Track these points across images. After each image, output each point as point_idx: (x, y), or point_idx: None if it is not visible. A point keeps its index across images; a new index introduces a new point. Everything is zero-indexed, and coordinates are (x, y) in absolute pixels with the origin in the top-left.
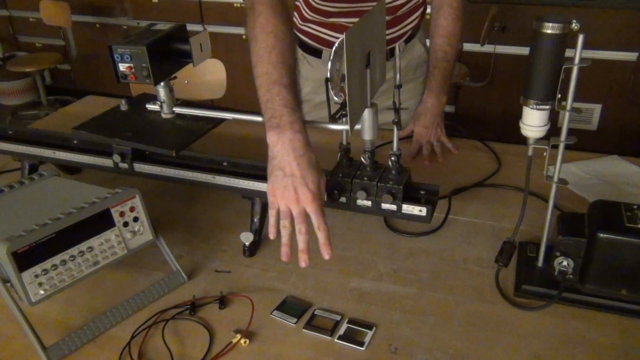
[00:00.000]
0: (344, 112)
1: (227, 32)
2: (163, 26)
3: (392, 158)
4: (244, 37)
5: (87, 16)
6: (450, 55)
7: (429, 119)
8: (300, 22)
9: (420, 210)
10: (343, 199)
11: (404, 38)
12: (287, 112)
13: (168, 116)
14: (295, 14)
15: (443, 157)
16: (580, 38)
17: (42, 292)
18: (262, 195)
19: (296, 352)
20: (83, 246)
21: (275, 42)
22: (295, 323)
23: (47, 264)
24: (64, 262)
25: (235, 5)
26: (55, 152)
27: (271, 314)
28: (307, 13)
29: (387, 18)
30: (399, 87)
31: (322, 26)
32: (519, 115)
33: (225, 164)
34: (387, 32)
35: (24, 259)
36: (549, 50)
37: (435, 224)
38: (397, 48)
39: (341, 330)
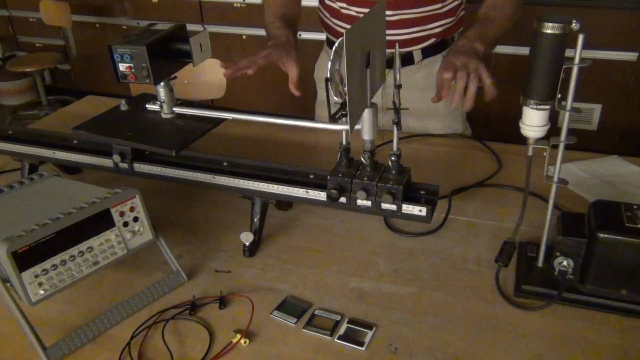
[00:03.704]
0: (344, 112)
1: (227, 32)
2: (163, 26)
3: (392, 158)
4: (243, 37)
5: (87, 16)
6: (493, 18)
7: (456, 51)
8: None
9: (420, 210)
10: (343, 199)
11: (422, 46)
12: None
13: (168, 116)
14: (327, 12)
15: (473, 103)
16: (580, 38)
17: (42, 292)
18: (262, 195)
19: (296, 352)
20: (83, 246)
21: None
22: (295, 323)
23: (47, 264)
24: (64, 262)
25: (235, 5)
26: (55, 152)
27: (271, 314)
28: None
29: (395, 17)
30: (398, 87)
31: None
32: (519, 115)
33: (225, 164)
34: (398, 32)
35: (24, 259)
36: (549, 50)
37: (435, 224)
38: (396, 46)
39: (341, 330)
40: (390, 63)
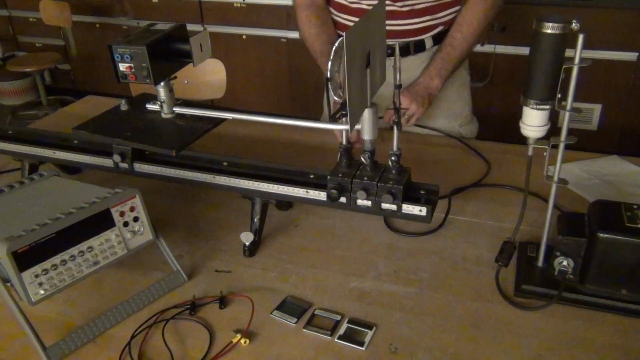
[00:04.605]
0: (344, 112)
1: (227, 32)
2: (163, 26)
3: (392, 158)
4: (244, 37)
5: (87, 16)
6: (457, 42)
7: (412, 92)
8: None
9: (420, 210)
10: (343, 199)
11: (432, 33)
12: None
13: (168, 116)
14: (332, 9)
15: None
16: (580, 38)
17: (42, 292)
18: (262, 195)
19: (296, 352)
20: (83, 246)
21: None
22: (295, 323)
23: (47, 264)
24: (64, 262)
25: (235, 5)
26: (55, 152)
27: (271, 314)
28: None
29: (406, 8)
30: (398, 87)
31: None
32: (519, 115)
33: (225, 164)
34: (409, 21)
35: (24, 259)
36: (549, 50)
37: (435, 223)
38: (397, 47)
39: (341, 330)
40: (402, 52)
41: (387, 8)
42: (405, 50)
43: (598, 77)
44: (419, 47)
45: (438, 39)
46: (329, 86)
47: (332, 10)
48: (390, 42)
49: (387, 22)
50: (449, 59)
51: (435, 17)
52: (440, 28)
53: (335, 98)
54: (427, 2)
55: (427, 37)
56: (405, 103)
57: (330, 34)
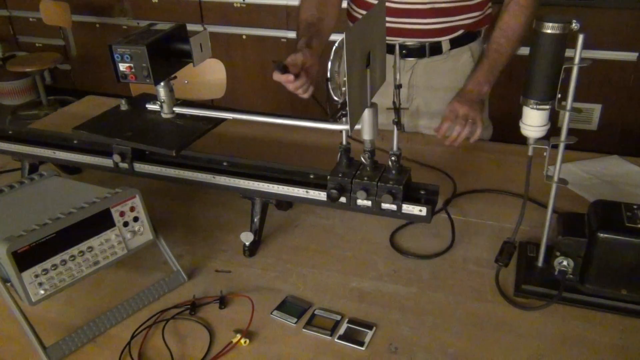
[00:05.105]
0: (344, 112)
1: (227, 32)
2: (163, 26)
3: (392, 158)
4: (243, 37)
5: (87, 16)
6: (503, 48)
7: (467, 99)
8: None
9: (420, 210)
10: (343, 199)
11: (450, 36)
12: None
13: (168, 116)
14: (354, 5)
15: (457, 142)
16: (580, 38)
17: (42, 292)
18: (262, 195)
19: (296, 352)
20: (83, 246)
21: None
22: (295, 323)
23: (47, 264)
24: (64, 262)
25: (235, 5)
26: (55, 152)
27: (271, 314)
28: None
29: (427, 6)
30: (398, 87)
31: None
32: (519, 115)
33: (225, 164)
34: (428, 21)
35: (24, 259)
36: (549, 50)
37: (444, 245)
38: (396, 47)
39: (341, 330)
40: (412, 54)
41: (406, 6)
42: (421, 52)
43: (598, 77)
44: (435, 49)
45: (456, 43)
46: (329, 86)
47: (352, 6)
48: (390, 40)
49: (405, 20)
50: (495, 65)
51: (454, 20)
52: (459, 32)
53: (335, 98)
54: (449, 3)
55: (444, 40)
56: (462, 111)
57: (327, 13)
